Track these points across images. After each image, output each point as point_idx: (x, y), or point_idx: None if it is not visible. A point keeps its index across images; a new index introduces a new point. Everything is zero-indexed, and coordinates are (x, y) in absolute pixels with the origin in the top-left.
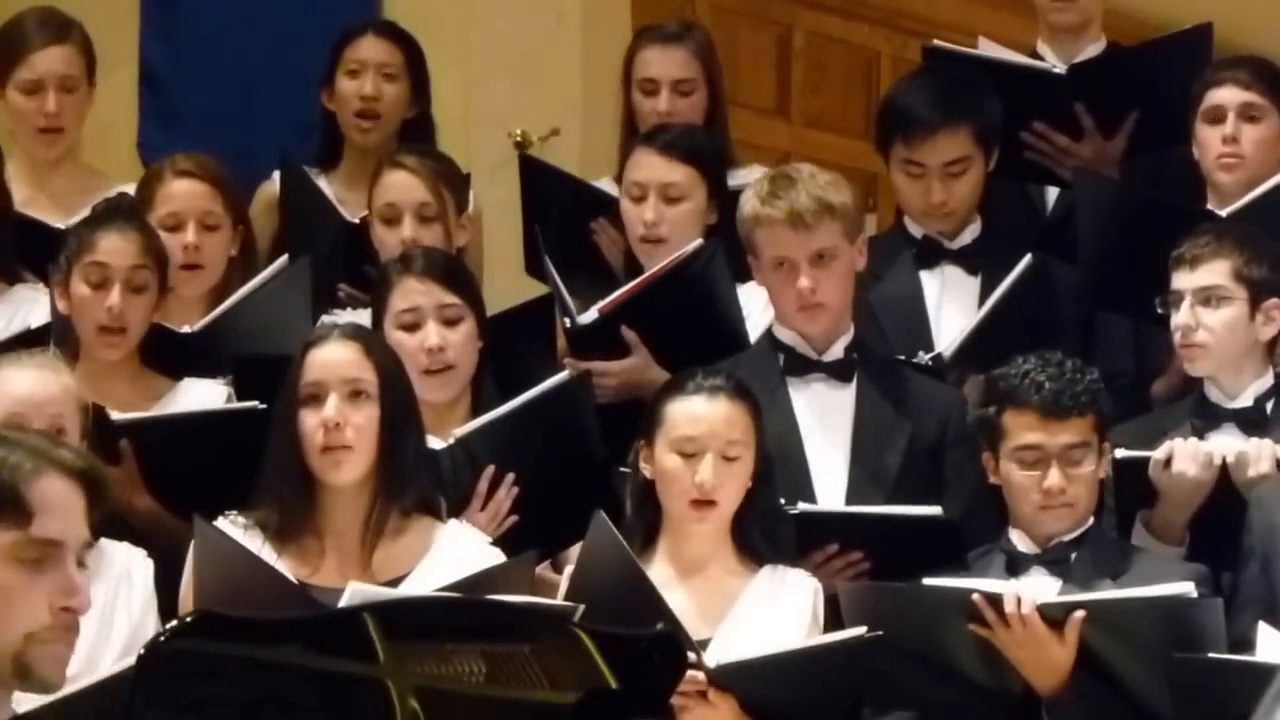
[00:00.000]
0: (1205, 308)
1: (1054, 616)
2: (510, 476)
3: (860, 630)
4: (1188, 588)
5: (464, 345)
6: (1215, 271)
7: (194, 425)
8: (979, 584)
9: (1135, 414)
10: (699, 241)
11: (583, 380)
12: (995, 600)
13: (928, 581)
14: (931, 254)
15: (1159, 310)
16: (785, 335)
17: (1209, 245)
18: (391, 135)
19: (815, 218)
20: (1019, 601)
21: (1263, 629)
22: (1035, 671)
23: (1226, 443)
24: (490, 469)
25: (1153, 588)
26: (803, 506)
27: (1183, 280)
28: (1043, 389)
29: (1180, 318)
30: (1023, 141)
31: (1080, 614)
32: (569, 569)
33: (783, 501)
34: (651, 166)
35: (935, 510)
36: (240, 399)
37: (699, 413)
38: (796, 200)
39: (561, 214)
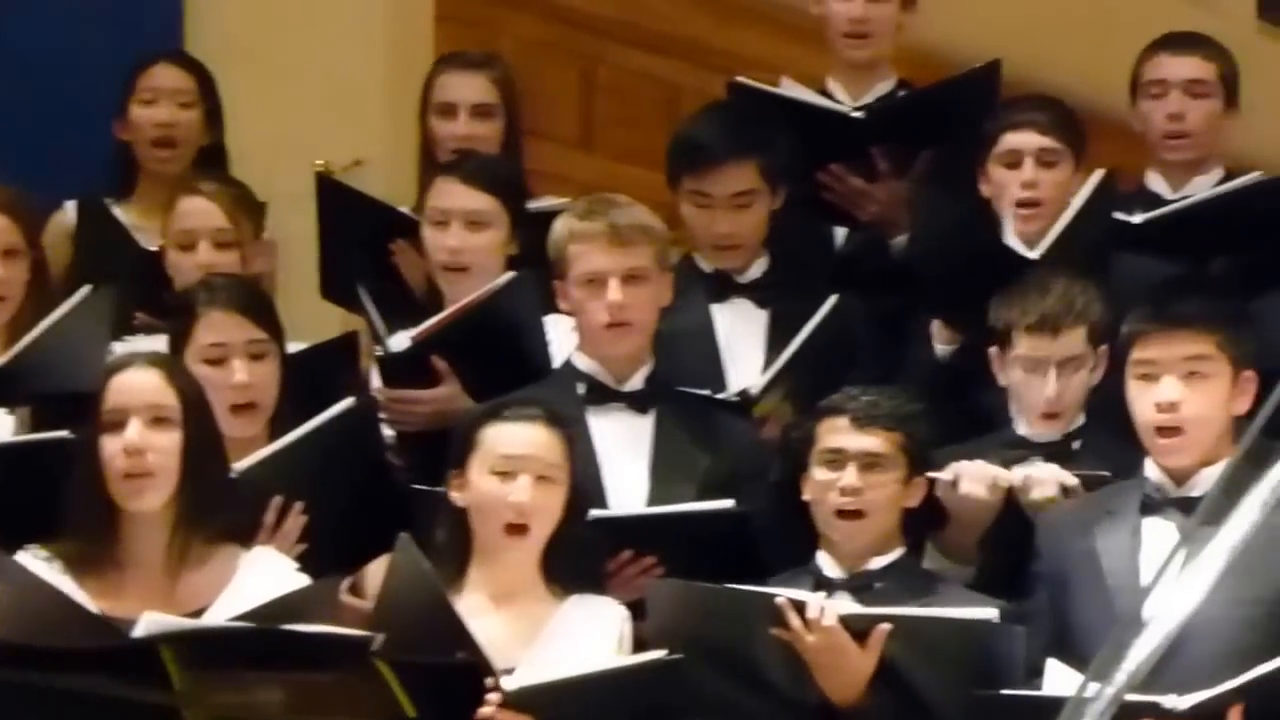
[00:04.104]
0: (1069, 372)
1: (858, 628)
2: (299, 505)
3: (661, 652)
4: (992, 613)
5: (268, 380)
6: (1077, 340)
7: None
8: (786, 590)
9: None
10: (512, 273)
11: (367, 405)
12: (800, 606)
13: (733, 584)
14: (721, 287)
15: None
16: (585, 364)
17: (1066, 313)
18: (188, 163)
19: (632, 235)
20: (823, 609)
21: (1050, 665)
22: (834, 681)
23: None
24: (278, 499)
25: (958, 609)
26: (595, 512)
27: (1045, 347)
28: (856, 400)
29: (1050, 389)
30: (819, 181)
31: (885, 627)
32: (372, 594)
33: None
34: (455, 194)
35: (728, 504)
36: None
37: (517, 436)
38: (616, 218)
39: (361, 237)
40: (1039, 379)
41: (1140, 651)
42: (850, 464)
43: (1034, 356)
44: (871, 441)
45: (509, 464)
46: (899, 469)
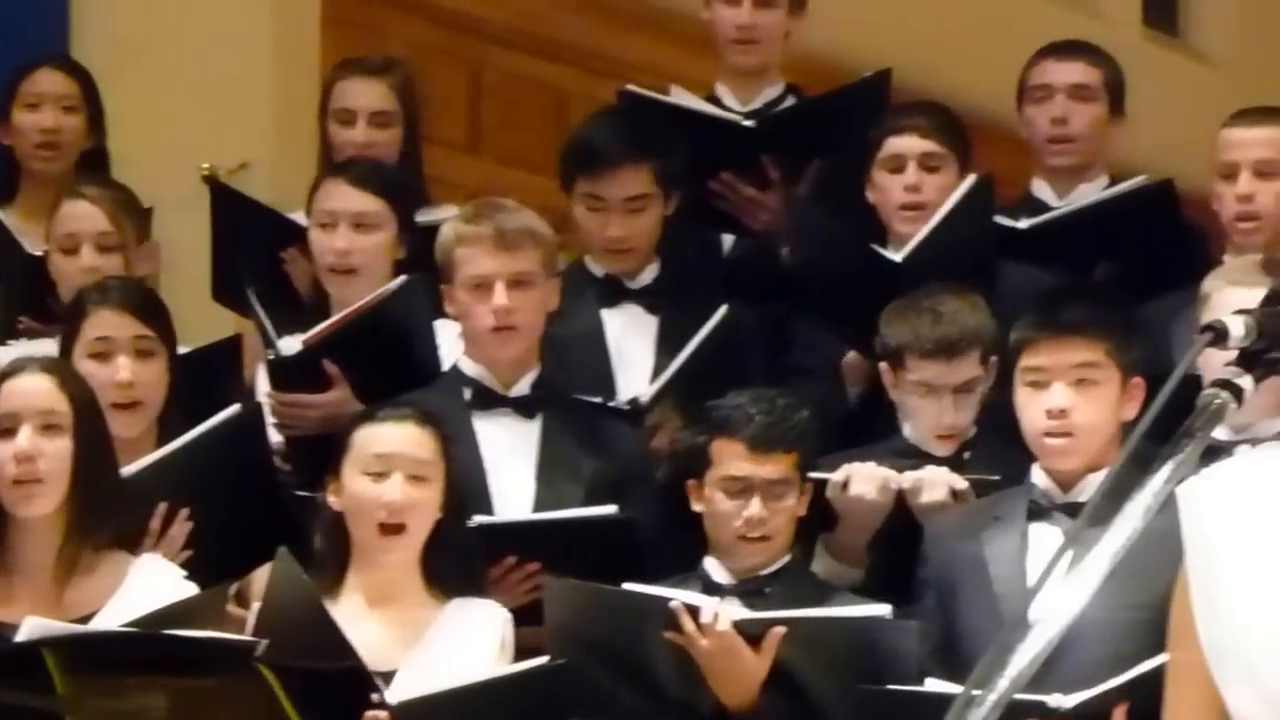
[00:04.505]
0: (964, 394)
1: (751, 632)
2: (184, 512)
3: (543, 660)
4: (884, 609)
5: (155, 380)
6: (971, 363)
7: None
8: (679, 593)
9: None
10: (404, 277)
11: (253, 412)
12: (694, 610)
13: (630, 586)
14: (612, 292)
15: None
16: (471, 369)
17: (961, 339)
18: (71, 167)
19: (519, 239)
20: (716, 614)
21: (929, 684)
22: (726, 686)
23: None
24: (163, 506)
25: (849, 608)
26: (478, 519)
27: (941, 374)
28: (753, 420)
29: (948, 417)
30: (710, 190)
31: (779, 630)
32: (255, 604)
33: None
34: (343, 196)
35: (610, 509)
36: None
37: (387, 435)
38: (503, 222)
39: (253, 243)
40: (934, 402)
41: (1026, 652)
42: (755, 495)
43: (930, 383)
44: (773, 469)
45: (380, 463)
46: (798, 486)
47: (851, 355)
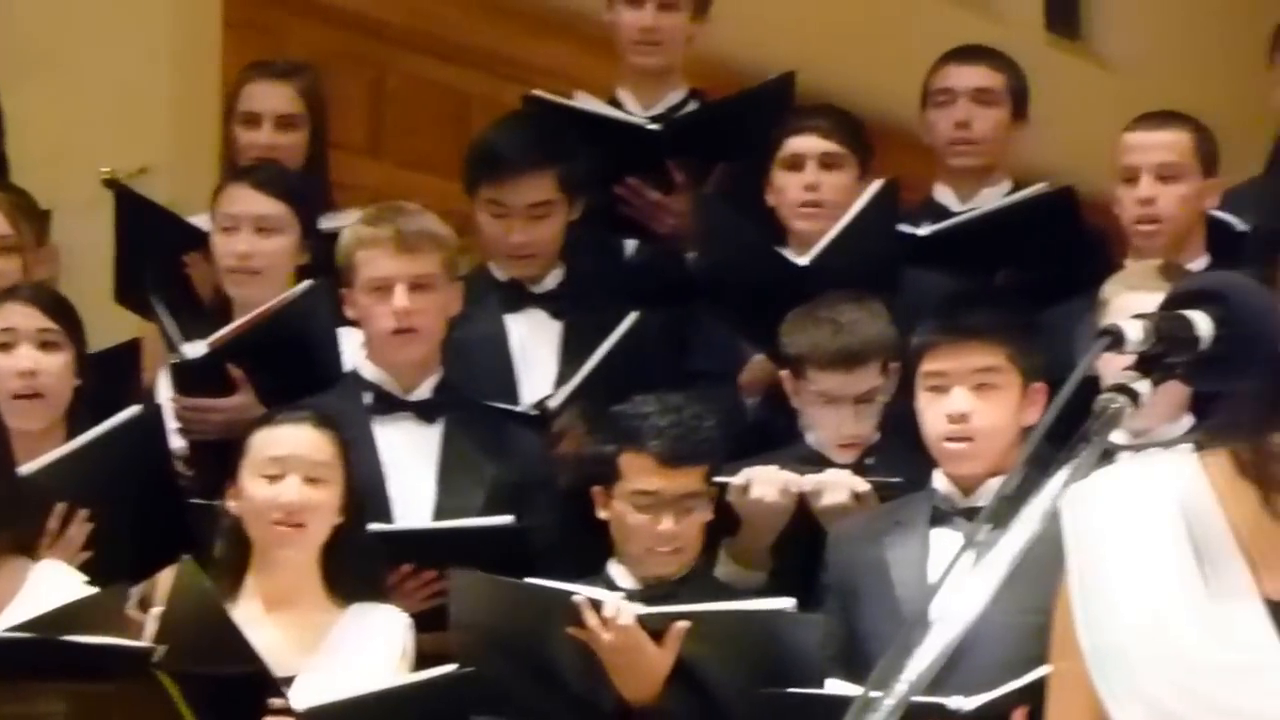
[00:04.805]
0: (865, 403)
1: (655, 627)
2: (83, 513)
3: (451, 666)
4: (789, 602)
5: (59, 374)
6: (872, 373)
7: None
8: (584, 588)
9: None
10: (309, 282)
11: (153, 414)
12: (597, 604)
13: (533, 580)
14: (515, 297)
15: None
16: (372, 373)
17: (861, 349)
18: None
19: (420, 242)
20: (619, 608)
21: (830, 685)
22: (629, 681)
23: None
24: (61, 506)
25: (753, 602)
26: (376, 526)
27: (842, 385)
28: (663, 434)
29: (849, 427)
30: (615, 195)
31: (682, 625)
32: (155, 609)
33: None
34: (246, 200)
35: (509, 519)
36: None
37: (283, 438)
38: (404, 225)
39: (156, 246)
40: (835, 412)
41: (924, 655)
42: (666, 511)
43: (830, 393)
44: (684, 483)
45: (276, 466)
46: (706, 497)
47: (758, 359)
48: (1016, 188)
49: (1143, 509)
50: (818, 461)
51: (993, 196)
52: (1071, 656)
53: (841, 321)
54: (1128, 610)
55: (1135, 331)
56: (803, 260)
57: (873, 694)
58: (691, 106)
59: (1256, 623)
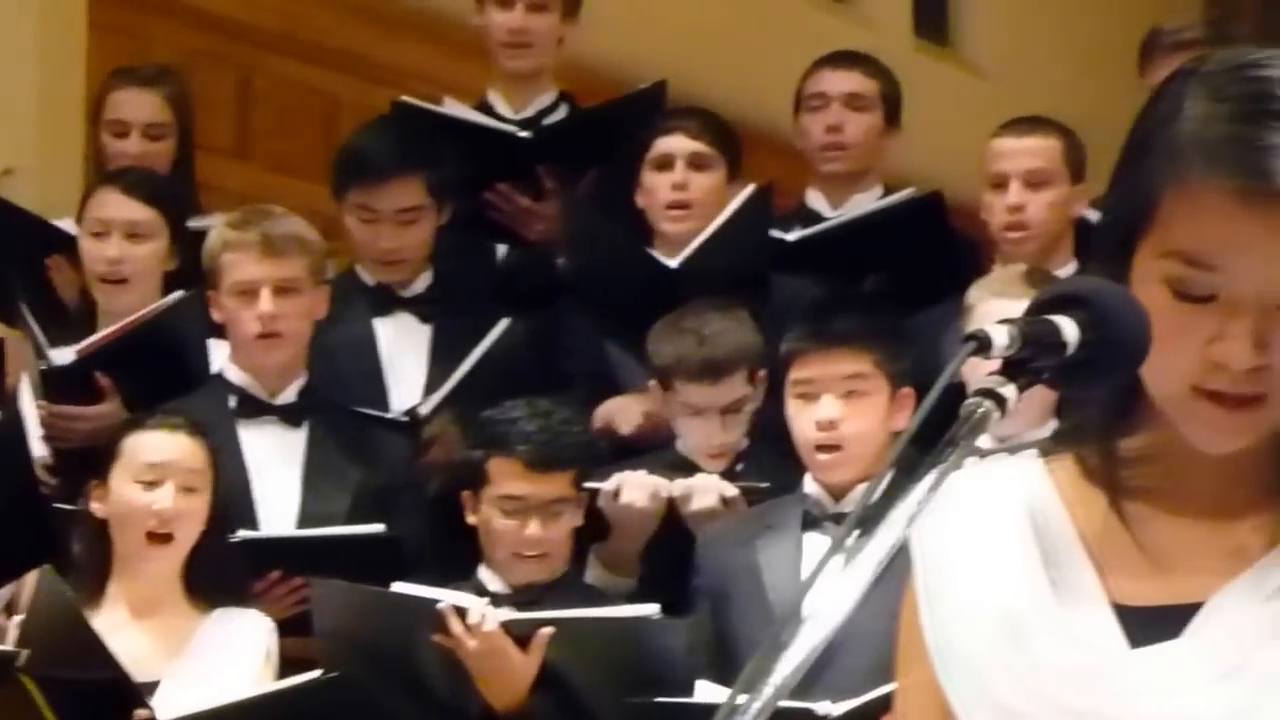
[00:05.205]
0: (732, 413)
1: (520, 633)
2: None
3: (315, 673)
4: (653, 609)
5: None
6: (738, 383)
7: None
8: (448, 594)
9: None
10: (181, 292)
11: (14, 421)
12: (462, 611)
13: (398, 587)
14: (384, 301)
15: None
16: (237, 376)
17: (725, 360)
18: None
19: (285, 246)
20: (484, 614)
21: (700, 686)
22: (494, 687)
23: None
24: None
25: (618, 608)
26: (242, 534)
27: (708, 396)
28: (530, 439)
29: (716, 438)
30: (485, 200)
31: (547, 630)
32: (17, 617)
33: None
34: (115, 205)
35: (377, 528)
36: None
37: (161, 444)
38: (270, 229)
39: (21, 250)
40: (703, 422)
41: (791, 659)
42: (533, 516)
43: (697, 404)
44: (551, 488)
45: (153, 472)
46: (575, 502)
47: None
48: (888, 194)
49: (989, 513)
50: (688, 468)
51: (864, 202)
52: (918, 666)
53: (706, 333)
54: (976, 614)
55: (1001, 336)
56: (672, 262)
57: (740, 698)
58: (562, 109)
59: (1104, 626)
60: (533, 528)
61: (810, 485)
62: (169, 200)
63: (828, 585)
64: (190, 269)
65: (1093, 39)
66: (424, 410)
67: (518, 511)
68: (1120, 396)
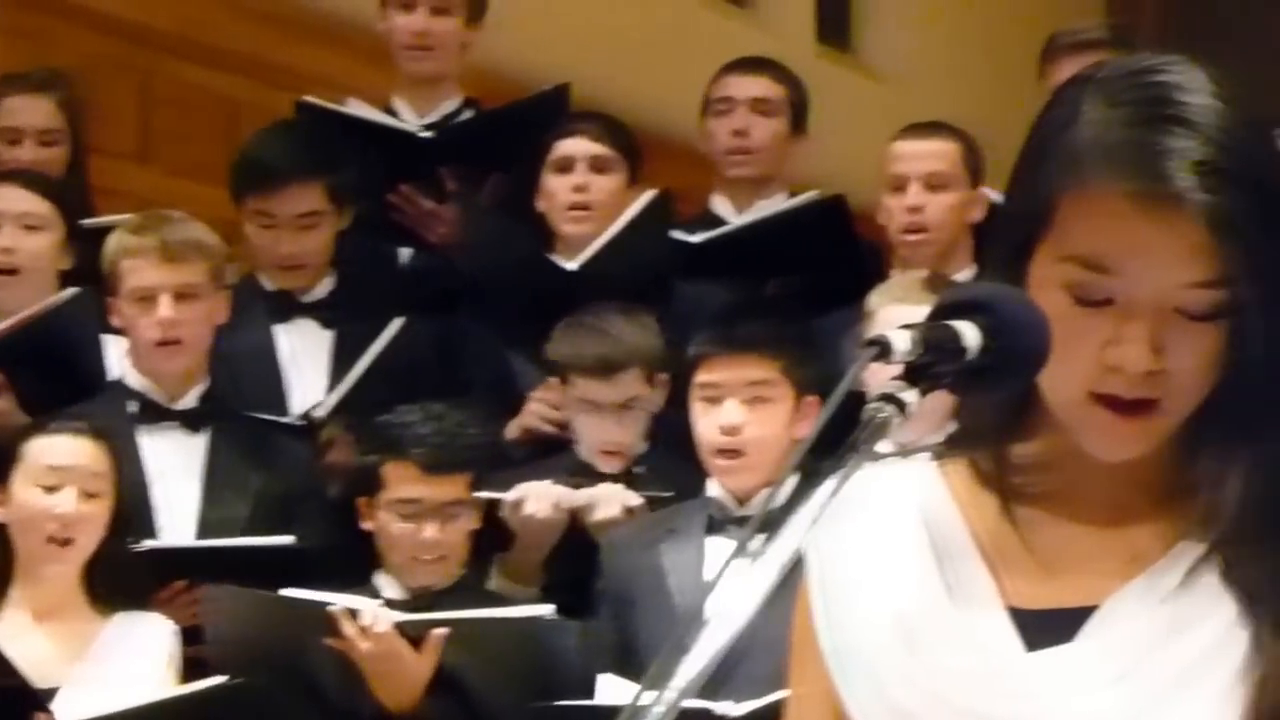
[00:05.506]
0: (627, 411)
1: (414, 634)
2: None
3: (220, 679)
4: (547, 609)
5: None
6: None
7: None
8: (340, 597)
9: None
10: (75, 289)
11: None
12: (354, 613)
13: (288, 591)
14: (284, 307)
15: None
16: (137, 382)
17: (620, 356)
18: None
19: (185, 251)
20: (377, 616)
21: (602, 680)
22: (388, 688)
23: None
24: None
25: (512, 608)
26: (148, 543)
27: (602, 391)
28: (425, 442)
29: (609, 434)
30: (388, 202)
31: (441, 631)
32: None
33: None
34: (9, 197)
35: (287, 539)
36: None
37: (63, 448)
38: (169, 234)
39: None
40: (597, 419)
41: (693, 662)
42: (429, 519)
43: (591, 399)
44: (446, 491)
45: (54, 476)
46: (472, 506)
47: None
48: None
49: (884, 516)
50: (586, 473)
51: (769, 208)
52: (811, 674)
53: (605, 329)
54: (871, 617)
55: (903, 342)
56: (571, 265)
57: (643, 699)
58: (467, 115)
59: (1000, 629)
60: (430, 530)
61: (714, 489)
62: (64, 193)
63: (731, 588)
64: (86, 269)
65: (991, 44)
66: (320, 413)
67: (414, 515)
68: (1014, 401)
